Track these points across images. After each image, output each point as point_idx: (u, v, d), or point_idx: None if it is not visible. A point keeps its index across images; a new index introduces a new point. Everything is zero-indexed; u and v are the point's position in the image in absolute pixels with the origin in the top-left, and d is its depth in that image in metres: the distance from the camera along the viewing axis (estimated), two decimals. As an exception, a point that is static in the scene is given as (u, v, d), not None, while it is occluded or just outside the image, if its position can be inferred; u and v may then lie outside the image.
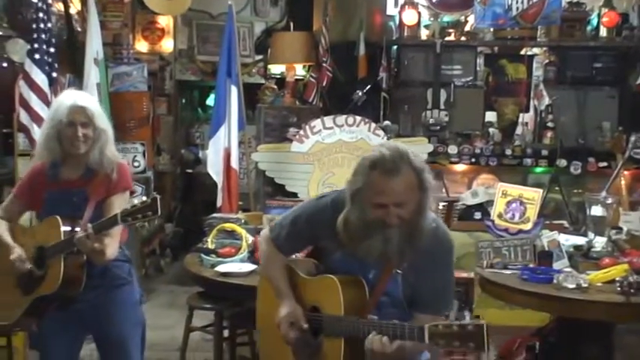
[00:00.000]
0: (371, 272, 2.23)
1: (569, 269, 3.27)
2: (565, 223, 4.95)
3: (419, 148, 5.38)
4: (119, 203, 2.68)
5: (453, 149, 5.49)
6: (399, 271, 2.19)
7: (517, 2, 5.47)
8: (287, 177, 5.18)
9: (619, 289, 2.93)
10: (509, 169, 5.49)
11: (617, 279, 3.02)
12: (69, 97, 2.77)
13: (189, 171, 8.10)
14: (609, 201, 3.64)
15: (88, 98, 2.83)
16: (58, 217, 2.69)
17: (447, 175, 5.56)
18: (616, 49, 5.85)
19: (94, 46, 5.01)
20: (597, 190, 4.07)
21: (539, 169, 5.52)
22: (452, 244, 2.28)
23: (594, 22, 5.89)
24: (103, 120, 2.78)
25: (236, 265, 3.44)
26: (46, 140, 2.76)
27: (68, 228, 2.66)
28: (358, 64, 5.90)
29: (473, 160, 5.51)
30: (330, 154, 5.08)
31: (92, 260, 2.67)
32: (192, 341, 4.12)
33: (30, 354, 4.15)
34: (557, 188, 5.43)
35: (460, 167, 5.58)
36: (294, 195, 4.99)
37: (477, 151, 5.50)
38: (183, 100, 8.40)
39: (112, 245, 2.69)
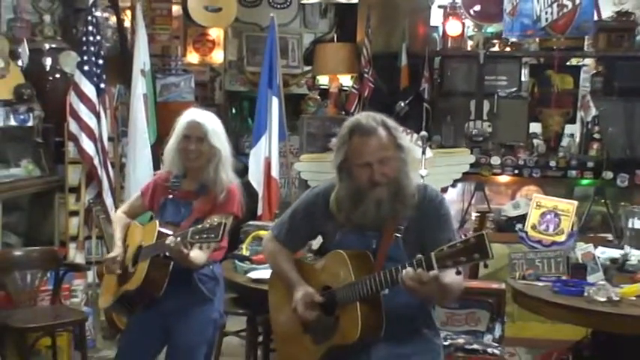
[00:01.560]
0: (372, 242, 2.30)
1: (603, 282, 3.22)
2: (610, 236, 4.86)
3: (461, 159, 5.38)
4: None
5: (495, 160, 5.44)
6: (398, 235, 2.27)
7: (546, 13, 5.34)
8: (328, 186, 5.21)
9: (651, 302, 2.88)
10: (553, 180, 5.41)
11: (649, 293, 2.96)
12: (191, 114, 2.93)
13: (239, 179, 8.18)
14: (648, 214, 3.56)
15: (207, 116, 2.95)
16: (157, 222, 2.87)
17: (490, 186, 5.51)
18: (666, 59, 5.69)
19: (141, 57, 5.14)
20: (645, 203, 3.99)
21: (584, 181, 5.41)
22: (443, 198, 2.36)
23: (644, 31, 5.75)
24: (218, 139, 2.91)
25: (268, 272, 3.48)
26: (171, 152, 2.94)
27: (166, 231, 2.81)
28: (400, 74, 5.90)
29: (516, 171, 5.44)
30: (371, 163, 5.09)
31: (178, 262, 2.77)
32: (226, 346, 4.20)
33: (74, 354, 4.31)
34: (602, 201, 5.34)
35: (503, 179, 5.52)
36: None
37: (521, 162, 5.43)
38: (233, 110, 8.52)
39: (200, 253, 2.78)
